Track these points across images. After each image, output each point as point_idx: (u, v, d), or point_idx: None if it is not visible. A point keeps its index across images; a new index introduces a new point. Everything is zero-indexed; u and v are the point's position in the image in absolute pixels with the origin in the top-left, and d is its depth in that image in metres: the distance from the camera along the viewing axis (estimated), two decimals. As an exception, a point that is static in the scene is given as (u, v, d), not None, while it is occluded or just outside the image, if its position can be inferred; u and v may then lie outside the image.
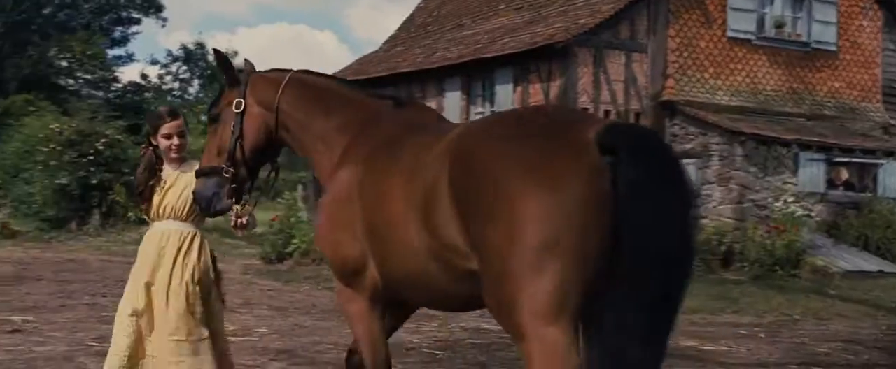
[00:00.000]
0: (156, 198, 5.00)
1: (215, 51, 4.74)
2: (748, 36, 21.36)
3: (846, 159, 20.29)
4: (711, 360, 8.65)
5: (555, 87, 20.00)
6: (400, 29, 29.50)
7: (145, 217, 5.13)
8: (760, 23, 21.61)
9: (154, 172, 5.02)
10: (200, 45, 50.83)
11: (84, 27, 44.49)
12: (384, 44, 29.23)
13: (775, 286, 15.86)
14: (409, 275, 3.90)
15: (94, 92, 43.35)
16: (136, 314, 4.85)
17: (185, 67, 50.66)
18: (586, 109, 19.91)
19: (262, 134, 4.59)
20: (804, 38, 21.98)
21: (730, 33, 21.18)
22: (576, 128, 3.34)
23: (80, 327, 8.91)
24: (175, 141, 5.00)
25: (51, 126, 24.10)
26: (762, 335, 10.36)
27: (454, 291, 3.76)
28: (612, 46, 20.28)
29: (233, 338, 8.69)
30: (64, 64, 43.50)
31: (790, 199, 18.93)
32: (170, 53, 51.25)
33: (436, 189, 3.59)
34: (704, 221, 19.49)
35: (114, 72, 45.47)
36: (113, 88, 45.16)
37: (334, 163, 4.39)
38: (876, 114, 22.61)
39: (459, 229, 3.47)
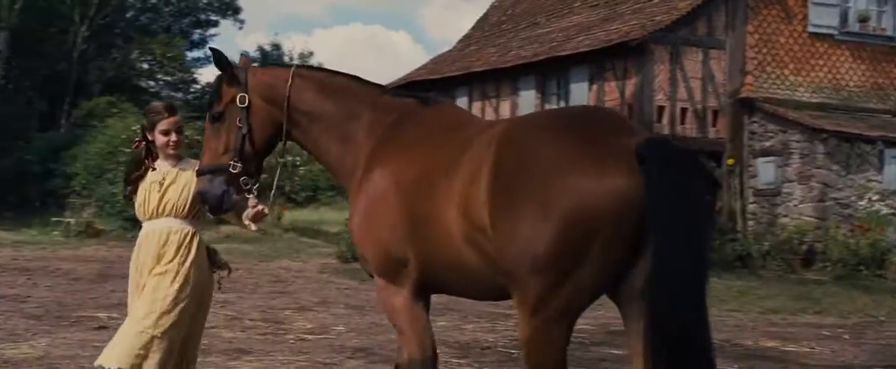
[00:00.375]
0: (154, 196, 4.85)
1: (212, 49, 4.64)
2: (830, 31, 20.88)
3: (933, 156, 19.70)
4: (794, 361, 8.47)
5: (630, 85, 19.81)
6: (474, 28, 29.51)
7: (139, 216, 4.94)
8: (843, 17, 21.10)
9: (140, 165, 4.94)
10: (276, 46, 51.57)
11: (164, 30, 45.40)
12: (458, 43, 29.27)
13: (859, 286, 15.49)
14: (448, 263, 4.07)
15: (173, 93, 44.18)
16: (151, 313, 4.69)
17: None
18: (662, 107, 19.71)
19: (268, 128, 4.55)
20: (889, 32, 21.39)
21: (811, 28, 20.73)
22: (622, 134, 3.72)
23: (162, 324, 9.07)
24: (173, 137, 4.89)
25: (133, 127, 24.58)
26: (846, 336, 10.12)
27: (490, 277, 3.94)
28: (689, 43, 20.01)
29: (310, 336, 8.80)
30: (145, 66, 44.44)
31: (875, 198, 18.46)
32: (246, 54, 52.03)
33: (479, 172, 3.83)
34: (784, 220, 19.14)
35: (193, 73, 46.33)
36: (192, 90, 45.99)
37: (359, 163, 4.43)
38: (965, 110, 21.91)
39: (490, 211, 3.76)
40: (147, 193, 4.87)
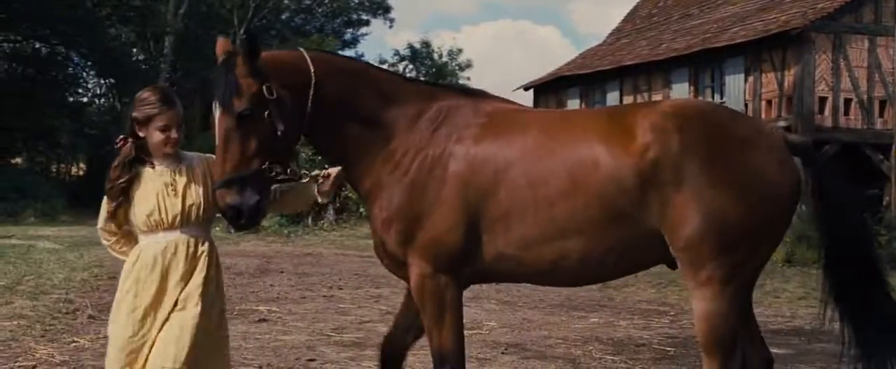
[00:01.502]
0: (172, 202, 3.97)
1: (248, 34, 4.07)
2: None
3: None
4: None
5: (790, 77, 19.12)
6: (624, 21, 29.08)
7: (145, 227, 3.98)
8: None
9: (130, 169, 3.97)
10: (426, 44, 52.07)
11: (318, 30, 46.61)
12: (608, 37, 28.91)
13: None
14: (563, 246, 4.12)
15: (327, 93, 45.40)
16: (131, 351, 3.93)
17: (411, 66, 52.02)
18: (824, 98, 18.97)
19: (296, 119, 4.05)
20: None
21: None
22: (773, 128, 4.38)
23: (319, 318, 9.29)
24: (173, 134, 3.97)
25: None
26: None
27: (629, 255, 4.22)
28: (854, 31, 19.18)
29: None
30: (301, 66, 45.84)
31: None
32: (397, 53, 52.70)
33: (651, 152, 4.01)
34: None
35: (346, 72, 47.40)
36: (345, 89, 47.10)
37: (402, 148, 4.20)
38: None
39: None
40: (160, 199, 3.96)
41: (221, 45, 4.11)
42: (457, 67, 52.53)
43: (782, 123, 19.12)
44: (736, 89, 20.37)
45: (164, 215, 3.96)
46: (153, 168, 4.00)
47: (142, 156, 4.00)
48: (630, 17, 28.91)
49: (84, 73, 37.99)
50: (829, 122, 19.07)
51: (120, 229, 4.06)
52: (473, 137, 4.17)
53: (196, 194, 4.01)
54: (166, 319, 3.93)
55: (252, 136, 3.91)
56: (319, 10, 48.14)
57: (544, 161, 4.09)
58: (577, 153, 4.09)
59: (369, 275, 13.45)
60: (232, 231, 4.06)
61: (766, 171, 4.04)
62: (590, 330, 8.99)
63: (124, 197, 3.97)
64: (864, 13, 19.32)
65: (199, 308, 3.95)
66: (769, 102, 19.65)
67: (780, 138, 4.17)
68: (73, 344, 7.34)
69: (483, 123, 4.22)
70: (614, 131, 4.10)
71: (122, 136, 4.03)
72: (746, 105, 20.09)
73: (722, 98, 20.92)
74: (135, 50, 39.56)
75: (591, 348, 7.95)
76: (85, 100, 38.28)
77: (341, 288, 11.98)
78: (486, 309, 10.40)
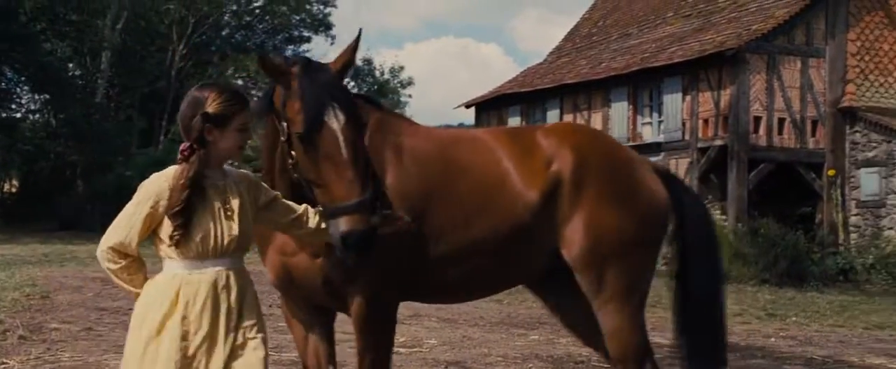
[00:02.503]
0: (226, 226, 3.37)
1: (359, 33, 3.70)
2: (937, 37, 20.20)
3: None
4: (903, 380, 8.14)
5: (726, 96, 19.44)
6: (565, 39, 29.36)
7: (185, 255, 3.34)
8: (950, 23, 20.39)
9: (199, 186, 3.34)
10: (368, 61, 52.04)
11: (258, 47, 46.31)
12: (549, 55, 29.15)
13: (970, 302, 14.89)
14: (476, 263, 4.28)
15: (268, 109, 45.09)
16: None
17: (353, 83, 51.96)
18: (759, 118, 19.31)
19: None
20: None
21: (917, 35, 20.10)
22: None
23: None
24: (249, 136, 3.47)
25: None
26: (958, 354, 9.69)
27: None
28: (787, 52, 19.58)
29: (402, 350, 8.79)
30: (240, 82, 45.40)
31: None
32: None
33: (552, 170, 4.24)
34: (889, 233, 18.55)
35: (287, 89, 47.12)
36: (286, 105, 46.83)
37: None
38: None
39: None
40: (214, 223, 3.36)
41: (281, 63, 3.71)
42: (398, 85, 52.63)
43: (719, 142, 19.43)
44: (674, 108, 20.67)
45: (219, 241, 3.34)
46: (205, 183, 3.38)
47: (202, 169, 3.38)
48: (571, 36, 29.21)
49: (18, 89, 37.27)
50: (763, 142, 19.43)
51: (136, 252, 3.38)
52: (402, 156, 4.14)
53: (246, 217, 3.44)
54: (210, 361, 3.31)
55: (365, 153, 3.59)
56: (260, 27, 47.85)
57: (460, 181, 4.15)
58: (488, 173, 4.19)
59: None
60: (348, 262, 3.52)
61: (650, 188, 4.43)
62: (529, 348, 9.01)
63: (189, 219, 3.30)
64: (796, 35, 19.76)
65: (263, 351, 3.42)
66: (706, 121, 19.96)
67: (650, 161, 4.73)
68: (3, 366, 7.17)
69: (405, 143, 4.19)
70: (518, 151, 4.26)
71: (186, 144, 3.37)
72: (684, 124, 20.38)
73: (660, 117, 21.21)
74: (71, 65, 38.88)
75: (530, 365, 7.97)
76: (18, 115, 37.50)
77: (280, 307, 11.87)
78: (426, 327, 10.37)
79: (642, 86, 21.89)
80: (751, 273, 16.82)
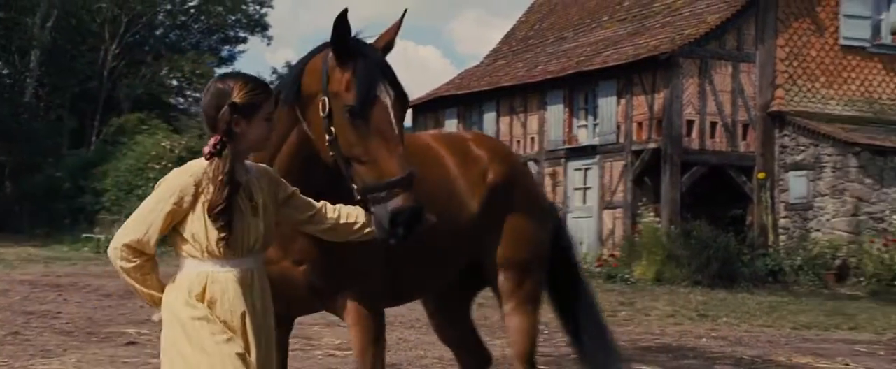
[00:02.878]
0: (254, 223, 3.25)
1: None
2: (862, 43, 20.71)
3: (969, 170, 19.45)
4: (829, 379, 8.33)
5: (659, 99, 19.71)
6: (501, 42, 29.50)
7: (213, 253, 3.19)
8: (875, 30, 20.93)
9: (234, 180, 3.17)
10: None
11: (193, 47, 45.77)
12: (486, 58, 29.27)
13: (895, 301, 15.28)
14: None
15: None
16: None
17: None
18: (692, 121, 19.61)
19: None
20: (922, 45, 21.19)
21: (842, 41, 20.58)
22: None
23: (191, 339, 9.08)
24: (274, 126, 3.34)
25: (162, 143, 24.85)
26: (881, 353, 9.95)
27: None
28: (719, 57, 19.92)
29: (338, 352, 8.76)
30: (174, 83, 44.82)
31: (909, 212, 18.26)
32: (275, 71, 52.23)
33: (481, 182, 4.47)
34: (817, 235, 18.95)
35: (222, 90, 46.63)
36: (221, 106, 46.34)
37: None
38: None
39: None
40: (243, 219, 3.21)
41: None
42: (335, 86, 52.31)
43: (653, 145, 19.69)
44: (609, 112, 20.89)
45: (245, 239, 3.20)
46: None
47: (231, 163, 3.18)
48: (507, 39, 29.35)
49: (-57, 87, 36.41)
50: (696, 145, 19.73)
51: (153, 251, 3.22)
52: None
53: (270, 214, 3.30)
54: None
55: (399, 129, 3.48)
56: (195, 27, 47.29)
57: (421, 189, 4.13)
58: (441, 181, 4.27)
59: (244, 296, 13.22)
60: (394, 241, 3.27)
61: (547, 200, 4.99)
62: (465, 349, 9.01)
63: (231, 217, 3.13)
64: (727, 40, 20.11)
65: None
66: (640, 124, 20.21)
67: None
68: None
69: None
70: (458, 160, 4.42)
71: (216, 138, 3.17)
72: (619, 127, 20.62)
73: (595, 120, 21.43)
74: (-1, 63, 38.11)
75: (466, 367, 7.97)
76: (-57, 115, 36.62)
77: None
78: (362, 330, 10.34)
79: (578, 89, 22.08)
80: (683, 274, 17.08)
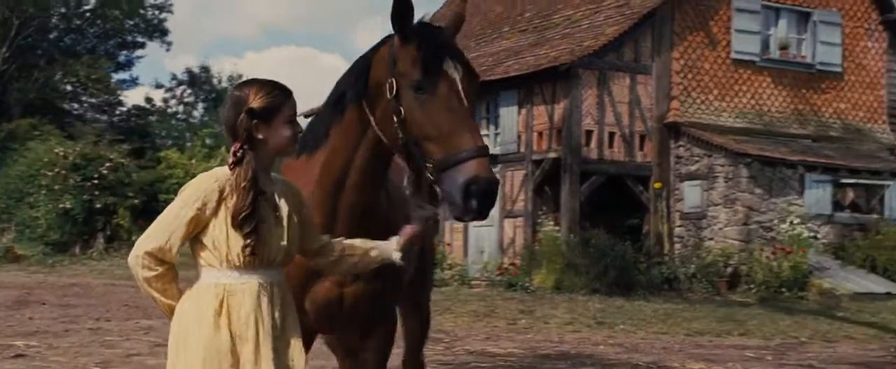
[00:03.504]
0: (277, 233, 3.18)
1: None
2: (752, 57, 21.37)
3: (852, 180, 20.23)
4: (720, 384, 8.55)
5: (559, 110, 19.99)
6: (404, 52, 29.53)
7: (232, 263, 3.11)
8: (765, 44, 21.63)
9: (259, 189, 3.11)
10: (205, 69, 50.94)
11: (89, 51, 44.62)
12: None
13: (782, 308, 15.77)
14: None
15: (98, 116, 43.39)
16: None
17: (189, 91, 50.73)
18: (591, 131, 19.93)
19: None
20: (809, 60, 21.98)
21: (734, 55, 21.19)
22: None
23: (83, 352, 8.84)
24: (298, 128, 3.27)
25: (55, 150, 24.15)
26: (769, 357, 10.26)
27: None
28: (617, 68, 20.30)
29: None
30: (69, 88, 43.61)
31: (796, 221, 18.87)
32: (174, 77, 51.28)
33: None
34: (710, 243, 19.44)
35: (118, 95, 45.54)
36: (117, 112, 45.21)
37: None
38: (882, 135, 22.58)
39: None
40: (267, 229, 3.15)
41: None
42: (237, 93, 51.57)
43: (553, 155, 19.95)
44: (510, 121, 21.10)
45: (268, 250, 3.12)
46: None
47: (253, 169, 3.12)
48: (409, 49, 29.39)
49: None
50: (595, 155, 20.06)
51: (174, 259, 3.12)
52: None
53: (294, 227, 3.22)
54: None
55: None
56: (91, 31, 46.11)
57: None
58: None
59: (140, 306, 12.94)
60: (468, 217, 3.15)
61: None
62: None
63: (258, 225, 3.07)
64: (625, 52, 20.53)
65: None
66: (540, 134, 20.46)
67: None
68: None
69: None
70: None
71: (237, 145, 3.12)
72: (519, 136, 20.84)
73: (497, 129, 21.62)
74: None
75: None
76: None
77: (109, 320, 11.47)
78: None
79: (480, 98, 22.21)
80: (582, 282, 17.33)
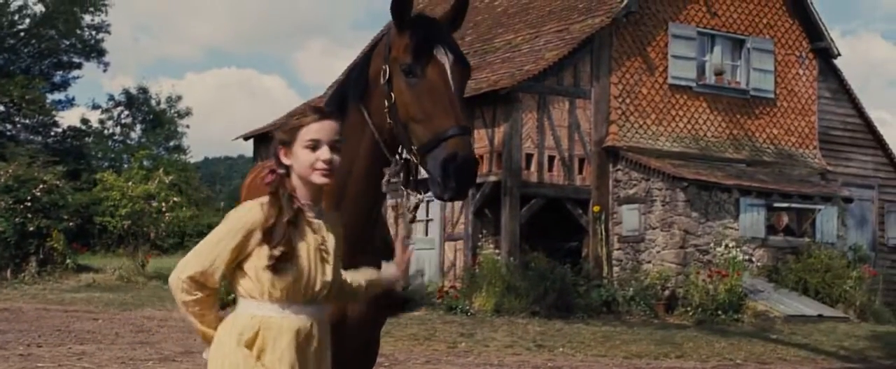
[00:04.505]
0: (321, 269, 3.08)
1: None
2: (689, 83, 21.72)
3: (785, 204, 20.61)
4: (657, 406, 8.63)
5: (499, 133, 20.11)
6: (346, 73, 29.50)
7: (273, 296, 3.01)
8: (700, 70, 22.01)
9: (292, 209, 3.02)
10: (143, 90, 50.38)
11: (23, 71, 43.89)
12: (330, 88, 29.20)
13: (718, 330, 15.98)
14: None
15: (32, 137, 42.65)
16: None
17: (127, 112, 50.10)
18: (531, 155, 20.06)
19: None
20: (743, 86, 22.42)
21: (671, 80, 21.52)
22: None
23: (14, 378, 8.65)
24: (325, 153, 3.04)
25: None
26: (706, 379, 10.40)
27: None
28: (556, 92, 20.49)
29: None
30: (1, 108, 42.81)
31: (731, 244, 19.16)
32: (112, 98, 50.64)
33: None
34: (648, 266, 19.65)
35: (53, 116, 44.80)
36: (52, 133, 44.48)
37: None
38: (813, 160, 23.07)
39: None
40: (311, 263, 3.04)
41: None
42: (176, 115, 51.15)
43: (493, 178, 20.05)
44: (450, 144, 21.15)
45: (311, 285, 3.02)
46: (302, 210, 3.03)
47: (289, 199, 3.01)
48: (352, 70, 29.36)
49: None
50: (535, 178, 20.19)
51: (216, 284, 3.02)
52: None
53: (339, 263, 3.12)
54: None
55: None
56: (25, 50, 45.39)
57: None
58: None
59: (73, 331, 12.70)
60: (447, 196, 3.22)
61: None
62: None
63: (293, 254, 2.97)
64: (564, 77, 20.74)
65: None
66: (481, 157, 20.53)
67: None
68: None
69: None
70: None
71: (270, 168, 3.08)
72: (460, 160, 20.87)
73: (437, 152, 21.66)
74: None
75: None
76: None
77: (40, 346, 11.23)
78: (198, 364, 10.08)
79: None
80: (522, 305, 17.39)
